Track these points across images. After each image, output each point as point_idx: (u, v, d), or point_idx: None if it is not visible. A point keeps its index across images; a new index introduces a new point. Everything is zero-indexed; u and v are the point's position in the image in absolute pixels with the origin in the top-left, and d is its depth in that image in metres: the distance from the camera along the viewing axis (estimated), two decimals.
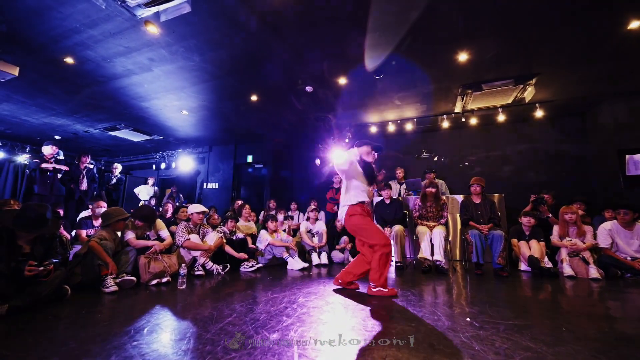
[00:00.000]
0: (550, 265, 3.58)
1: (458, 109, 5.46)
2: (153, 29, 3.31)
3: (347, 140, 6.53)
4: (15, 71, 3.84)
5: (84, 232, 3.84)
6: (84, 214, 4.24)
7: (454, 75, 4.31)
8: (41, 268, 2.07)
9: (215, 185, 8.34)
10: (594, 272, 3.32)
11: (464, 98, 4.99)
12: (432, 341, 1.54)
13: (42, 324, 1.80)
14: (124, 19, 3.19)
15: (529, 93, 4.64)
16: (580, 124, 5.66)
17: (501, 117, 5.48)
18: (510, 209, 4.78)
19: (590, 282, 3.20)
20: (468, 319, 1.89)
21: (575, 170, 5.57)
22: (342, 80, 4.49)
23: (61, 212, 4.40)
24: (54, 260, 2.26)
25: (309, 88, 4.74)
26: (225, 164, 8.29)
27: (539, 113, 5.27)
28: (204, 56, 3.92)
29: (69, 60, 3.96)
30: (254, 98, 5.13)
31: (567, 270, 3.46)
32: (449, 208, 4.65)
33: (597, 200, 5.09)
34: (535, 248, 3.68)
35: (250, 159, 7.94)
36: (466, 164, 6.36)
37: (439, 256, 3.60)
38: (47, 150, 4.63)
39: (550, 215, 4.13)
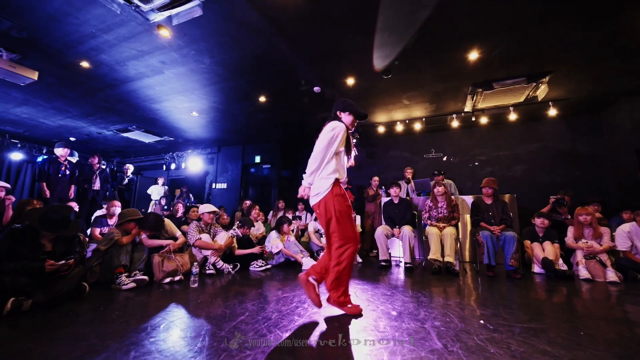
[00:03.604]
0: (565, 267, 3.50)
1: (468, 108, 5.40)
2: (165, 33, 3.37)
3: (354, 141, 6.51)
4: (35, 75, 3.96)
5: (97, 231, 3.94)
6: (99, 213, 4.34)
7: (463, 74, 4.26)
8: (62, 262, 2.14)
9: (224, 186, 8.43)
10: (611, 275, 3.24)
11: (474, 97, 4.93)
12: (445, 343, 1.53)
13: (63, 319, 1.86)
14: (137, 24, 3.26)
15: (541, 91, 4.55)
16: (596, 123, 5.52)
17: (513, 116, 5.39)
18: (522, 210, 4.69)
19: (608, 285, 3.12)
20: (481, 321, 1.87)
21: (590, 170, 5.44)
22: (350, 81, 4.49)
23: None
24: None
25: (317, 89, 4.75)
26: (234, 165, 8.37)
27: (553, 112, 5.17)
28: (214, 59, 3.97)
29: (85, 64, 4.07)
30: (262, 99, 5.17)
31: (583, 273, 3.38)
32: (459, 209, 4.59)
33: (614, 201, 4.96)
34: (549, 250, 3.61)
35: (258, 159, 8.00)
36: (476, 164, 6.28)
37: (450, 257, 3.57)
38: (60, 151, 4.74)
39: (569, 217, 4.04)
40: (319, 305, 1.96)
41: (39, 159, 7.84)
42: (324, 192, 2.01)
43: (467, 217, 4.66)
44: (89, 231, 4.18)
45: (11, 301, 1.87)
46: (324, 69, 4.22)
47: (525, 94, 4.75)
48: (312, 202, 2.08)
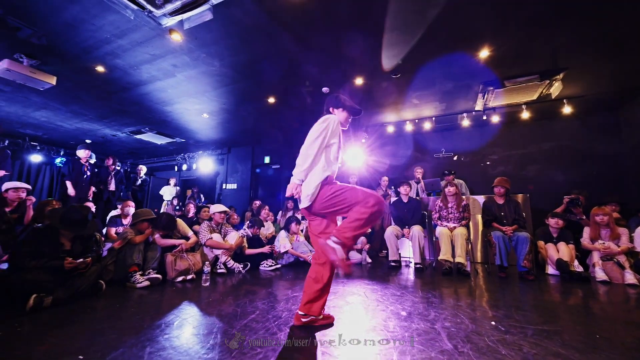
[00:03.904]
0: (580, 269, 3.42)
1: (479, 106, 5.31)
2: (177, 37, 3.44)
3: (363, 141, 6.50)
4: (53, 80, 4.11)
5: (113, 230, 4.05)
6: (113, 213, 4.47)
7: (474, 72, 4.20)
8: (80, 260, 2.23)
9: (234, 186, 8.53)
10: (630, 277, 3.14)
11: (485, 95, 4.85)
12: (456, 344, 1.52)
13: (82, 315, 1.93)
14: (150, 28, 3.34)
15: (555, 89, 4.45)
16: (614, 120, 5.35)
17: (525, 115, 5.28)
18: (535, 210, 4.59)
19: (626, 288, 3.02)
20: (493, 323, 1.85)
21: (607, 169, 5.27)
22: (359, 81, 4.49)
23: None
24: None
25: (325, 89, 4.77)
26: (243, 165, 8.47)
27: (567, 109, 5.04)
28: (224, 61, 4.03)
29: (100, 68, 4.19)
30: (271, 100, 5.22)
31: (600, 274, 3.29)
32: (470, 209, 4.53)
33: (633, 200, 4.79)
34: (563, 251, 3.52)
35: (267, 159, 8.07)
36: (488, 163, 6.17)
37: (461, 258, 3.52)
38: (81, 153, 4.92)
39: (585, 217, 3.94)
40: (347, 269, 1.64)
41: (57, 160, 8.12)
42: (312, 194, 1.78)
43: (479, 217, 4.59)
44: (104, 230, 4.31)
45: (33, 297, 1.95)
46: (333, 70, 4.23)
47: (539, 91, 4.65)
48: (302, 204, 1.84)
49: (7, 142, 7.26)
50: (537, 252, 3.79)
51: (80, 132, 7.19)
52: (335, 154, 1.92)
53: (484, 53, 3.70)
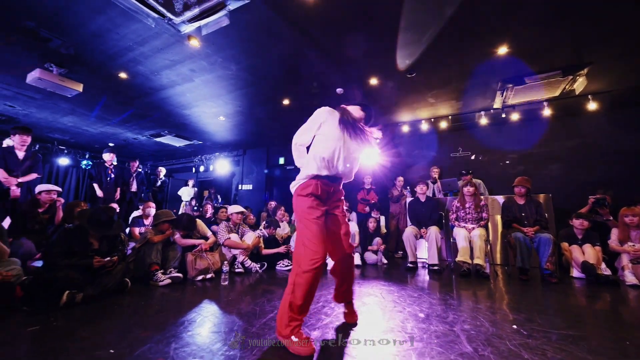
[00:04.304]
0: (608, 272, 3.27)
1: (497, 104, 5.18)
2: (195, 43, 3.55)
3: (377, 140, 6.45)
4: (80, 87, 4.32)
5: (136, 230, 4.21)
6: (136, 213, 4.65)
7: (492, 69, 4.10)
8: (107, 259, 2.34)
9: (250, 187, 8.68)
10: None
11: (504, 93, 4.72)
12: (476, 347, 1.50)
13: (110, 312, 2.03)
14: (169, 35, 3.46)
15: (579, 84, 4.27)
16: None
17: (547, 112, 5.09)
18: (558, 211, 4.42)
19: None
20: (514, 326, 1.81)
21: (636, 167, 5.01)
22: (373, 81, 4.47)
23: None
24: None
25: (339, 90, 4.78)
26: (259, 166, 8.60)
27: (592, 105, 4.82)
28: (240, 65, 4.12)
29: (123, 75, 4.38)
30: (285, 102, 5.28)
31: (630, 278, 3.14)
32: (489, 209, 4.42)
33: None
34: (589, 253, 3.38)
35: (282, 160, 8.16)
36: (507, 162, 5.99)
37: (479, 259, 3.45)
38: (107, 157, 5.13)
39: (611, 218, 3.77)
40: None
41: (83, 163, 8.51)
42: (293, 187, 1.73)
43: (498, 217, 4.47)
44: (127, 230, 4.48)
45: (66, 294, 2.07)
46: (347, 70, 4.24)
47: (561, 87, 4.48)
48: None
49: (37, 146, 7.69)
50: (560, 255, 3.65)
51: (104, 135, 7.52)
52: (328, 152, 1.66)
53: (503, 50, 3.61)
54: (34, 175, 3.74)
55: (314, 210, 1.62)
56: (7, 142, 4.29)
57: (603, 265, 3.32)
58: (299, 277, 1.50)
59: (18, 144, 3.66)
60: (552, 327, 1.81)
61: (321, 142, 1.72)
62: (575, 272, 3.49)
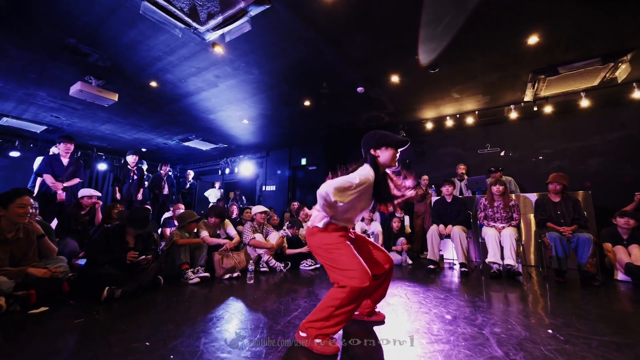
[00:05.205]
0: None
1: (528, 97, 4.90)
2: (219, 50, 3.69)
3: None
4: (115, 97, 4.63)
5: (168, 230, 4.44)
6: (167, 214, 4.90)
7: (522, 60, 3.88)
8: (142, 257, 2.51)
9: (273, 188, 8.84)
10: None
11: (536, 84, 4.46)
12: (507, 351, 1.44)
13: (145, 307, 2.16)
14: (195, 44, 3.62)
15: (622, 72, 3.94)
16: None
17: (584, 103, 4.74)
18: (599, 209, 4.11)
19: None
20: (550, 331, 1.71)
21: None
22: (395, 78, 4.40)
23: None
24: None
25: (360, 89, 4.75)
26: (282, 167, 8.74)
27: (637, 94, 4.43)
28: (262, 69, 4.22)
29: (153, 83, 4.64)
30: (306, 103, 5.33)
31: None
32: (521, 208, 4.20)
33: None
34: (636, 254, 3.11)
35: (304, 161, 8.24)
36: (540, 157, 5.65)
37: (510, 260, 3.29)
38: (130, 159, 5.42)
39: None
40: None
41: None
42: (312, 224, 1.71)
43: (531, 216, 4.24)
44: (159, 231, 4.74)
45: (107, 289, 2.23)
46: (368, 69, 4.20)
47: (601, 76, 4.16)
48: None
49: (79, 153, 8.32)
50: (603, 256, 3.39)
51: (137, 141, 7.99)
52: (352, 216, 1.69)
53: (533, 39, 3.42)
54: (77, 180, 4.06)
55: (344, 237, 1.64)
56: (53, 150, 4.69)
57: None
58: (348, 295, 1.46)
59: (63, 151, 3.99)
60: (593, 332, 1.69)
61: (349, 210, 1.65)
62: (620, 275, 3.23)
